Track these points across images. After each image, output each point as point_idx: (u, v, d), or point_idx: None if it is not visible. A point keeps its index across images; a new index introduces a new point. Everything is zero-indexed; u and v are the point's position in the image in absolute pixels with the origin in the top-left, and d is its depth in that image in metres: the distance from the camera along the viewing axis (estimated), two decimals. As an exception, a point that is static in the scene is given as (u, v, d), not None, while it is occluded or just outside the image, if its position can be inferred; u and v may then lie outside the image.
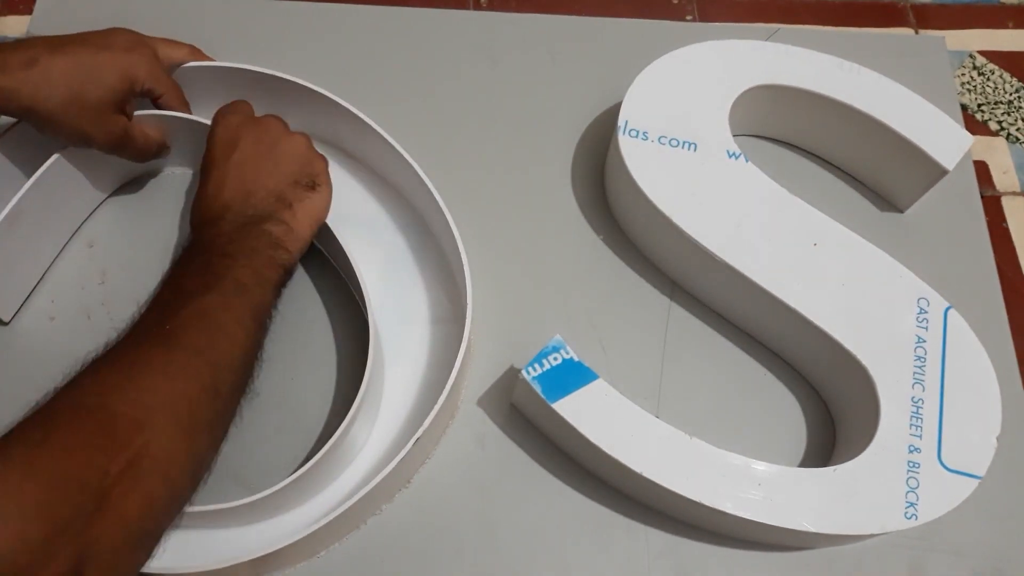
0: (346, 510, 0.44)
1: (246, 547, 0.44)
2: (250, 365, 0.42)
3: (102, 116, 0.49)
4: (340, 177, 0.58)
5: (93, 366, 0.37)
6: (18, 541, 0.29)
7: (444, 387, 0.46)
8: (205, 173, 0.49)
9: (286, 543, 0.43)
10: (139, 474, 0.33)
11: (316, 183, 0.49)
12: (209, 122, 0.51)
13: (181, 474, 0.36)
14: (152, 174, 0.59)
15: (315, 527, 0.43)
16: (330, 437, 0.45)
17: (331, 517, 0.43)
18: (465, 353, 0.48)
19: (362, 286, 0.50)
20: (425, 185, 0.52)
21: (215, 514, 0.45)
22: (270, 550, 0.43)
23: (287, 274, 0.46)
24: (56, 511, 0.30)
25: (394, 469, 0.45)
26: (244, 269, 0.43)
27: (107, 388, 0.36)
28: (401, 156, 0.53)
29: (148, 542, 0.35)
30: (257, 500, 0.44)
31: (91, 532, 0.31)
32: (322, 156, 0.52)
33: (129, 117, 0.52)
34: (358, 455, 0.50)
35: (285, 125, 0.51)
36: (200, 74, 0.55)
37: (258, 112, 0.52)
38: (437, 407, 0.46)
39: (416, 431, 0.45)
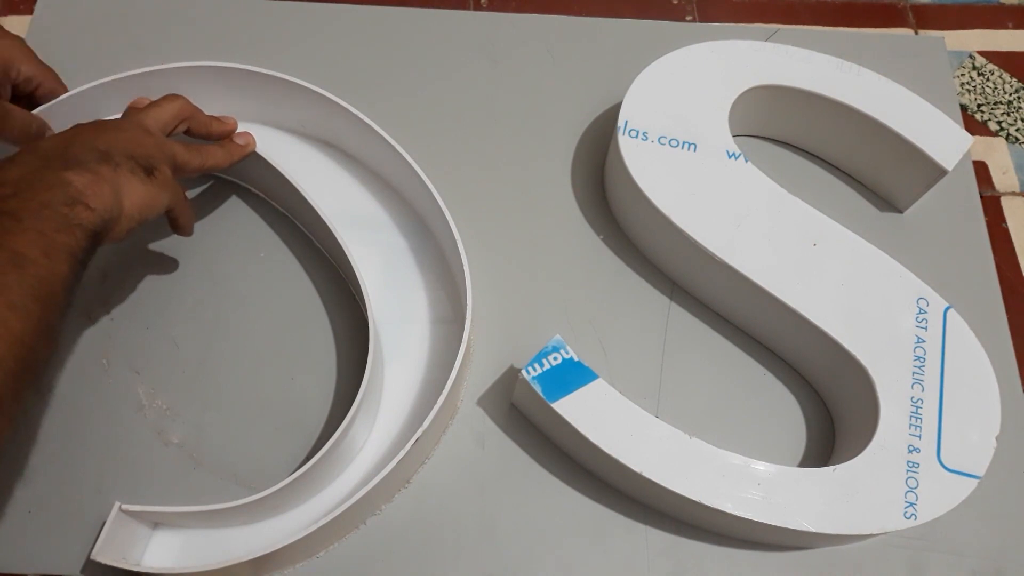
0: (346, 510, 0.44)
1: (246, 547, 0.43)
2: (33, 356, 0.35)
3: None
4: (340, 177, 0.59)
5: None
6: None
7: (444, 387, 0.46)
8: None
9: (286, 543, 0.43)
10: None
11: (153, 171, 0.43)
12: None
13: None
14: None
15: (315, 527, 0.43)
16: (330, 437, 0.45)
17: (331, 517, 0.43)
18: (465, 353, 0.48)
19: (362, 286, 0.50)
20: (425, 185, 0.52)
21: (215, 514, 0.45)
22: (270, 550, 0.43)
23: (92, 239, 0.39)
24: None
25: (394, 469, 0.45)
26: (27, 233, 0.36)
27: None
28: (401, 156, 0.53)
29: None
30: (256, 500, 0.44)
31: None
32: (181, 187, 0.47)
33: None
34: (358, 455, 0.50)
35: (169, 139, 0.47)
36: (201, 74, 0.55)
37: (264, 110, 0.51)
38: (437, 406, 0.46)
39: (416, 431, 0.45)
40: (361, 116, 0.54)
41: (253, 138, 0.54)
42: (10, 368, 0.34)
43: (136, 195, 0.42)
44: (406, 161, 0.53)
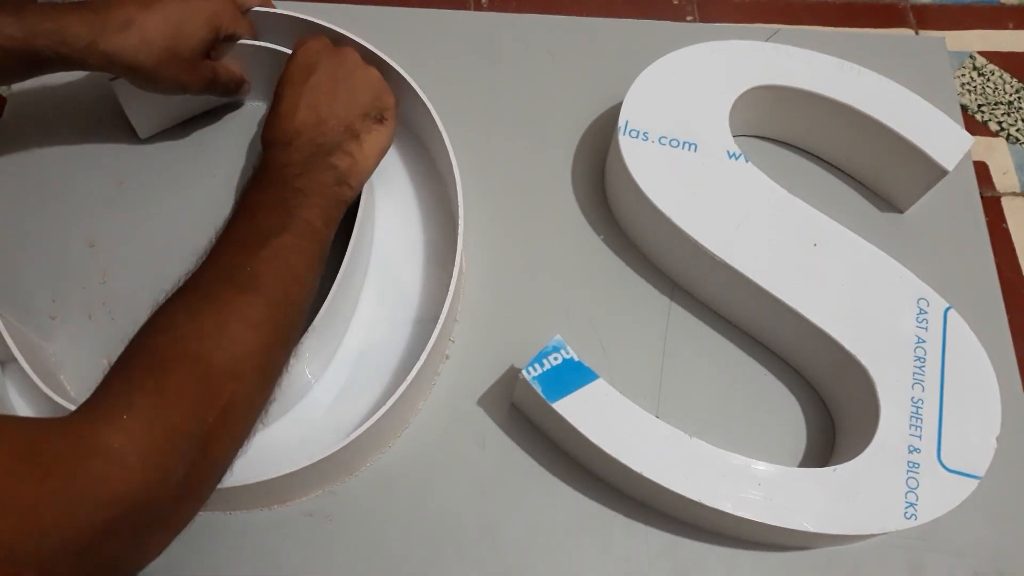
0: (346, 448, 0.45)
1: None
2: (310, 308, 0.44)
3: (195, 65, 0.52)
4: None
5: (186, 305, 0.39)
6: (141, 488, 0.32)
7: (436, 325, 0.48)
8: (279, 94, 0.49)
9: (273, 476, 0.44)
10: (229, 422, 0.36)
11: (384, 117, 0.50)
12: (288, 51, 0.53)
13: (257, 418, 0.39)
14: (232, 106, 0.62)
15: (308, 463, 0.44)
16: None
17: (329, 453, 0.45)
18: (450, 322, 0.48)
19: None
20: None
21: None
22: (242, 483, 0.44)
23: (347, 209, 0.48)
24: (170, 461, 0.33)
25: (393, 405, 0.46)
26: (314, 209, 0.44)
27: (204, 335, 0.37)
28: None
29: (224, 477, 0.38)
30: None
31: (193, 478, 0.34)
32: (391, 91, 0.52)
33: (214, 59, 0.55)
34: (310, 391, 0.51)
35: (360, 57, 0.52)
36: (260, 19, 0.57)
37: None
38: (430, 345, 0.47)
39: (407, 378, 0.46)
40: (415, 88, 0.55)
41: None
42: (305, 315, 0.43)
43: (375, 150, 0.49)
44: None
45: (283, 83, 0.50)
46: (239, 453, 0.38)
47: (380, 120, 0.50)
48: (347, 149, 0.48)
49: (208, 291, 0.40)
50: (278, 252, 0.41)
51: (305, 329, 0.45)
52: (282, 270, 0.41)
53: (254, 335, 0.38)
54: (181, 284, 0.40)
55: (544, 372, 0.46)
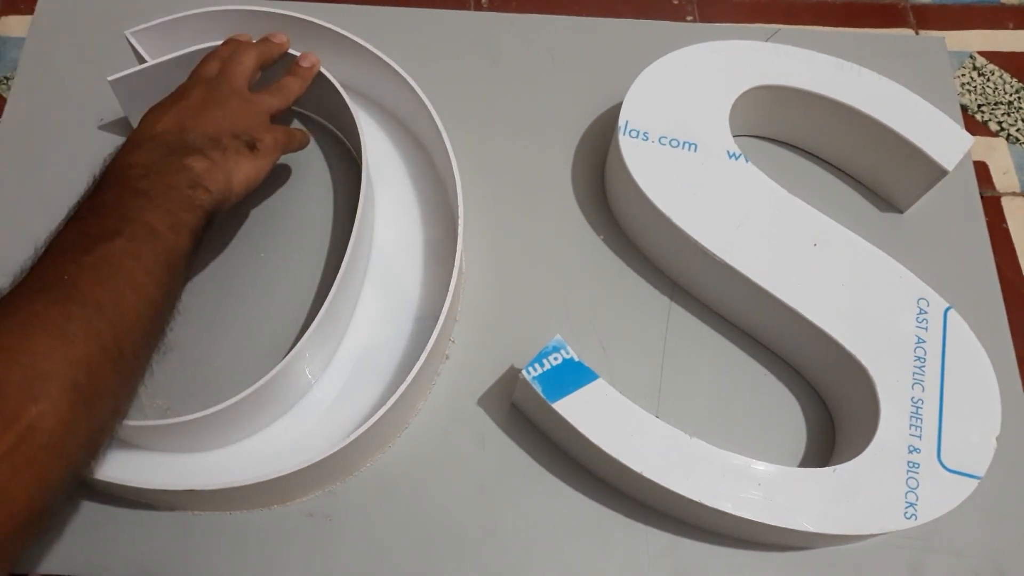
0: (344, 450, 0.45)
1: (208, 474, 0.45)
2: (161, 320, 0.39)
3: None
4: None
5: None
6: None
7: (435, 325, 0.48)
8: (146, 112, 0.47)
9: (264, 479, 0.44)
10: (31, 451, 0.31)
11: (256, 147, 0.47)
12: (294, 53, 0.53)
13: (79, 448, 0.33)
14: None
15: (311, 462, 0.44)
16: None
17: (350, 439, 0.45)
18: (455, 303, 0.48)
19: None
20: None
21: (171, 428, 0.45)
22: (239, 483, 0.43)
23: (208, 218, 0.43)
24: None
25: (395, 404, 0.46)
26: (157, 211, 0.40)
27: None
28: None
29: (39, 524, 0.32)
30: (215, 411, 0.44)
31: None
32: (281, 129, 0.51)
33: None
34: (311, 390, 0.51)
35: (244, 88, 0.50)
36: (241, 18, 0.57)
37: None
38: (429, 346, 0.47)
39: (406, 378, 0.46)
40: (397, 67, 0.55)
41: (315, 56, 0.55)
42: (146, 328, 0.38)
43: (243, 173, 0.46)
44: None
45: (155, 104, 0.47)
46: (65, 489, 0.33)
47: (251, 148, 0.47)
48: (208, 154, 0.44)
49: (12, 303, 0.35)
50: (107, 258, 0.37)
51: (156, 343, 0.40)
52: (111, 277, 0.36)
53: (65, 347, 0.33)
54: None
55: (544, 372, 0.46)
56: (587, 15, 0.68)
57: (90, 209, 0.40)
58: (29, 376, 0.32)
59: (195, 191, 0.42)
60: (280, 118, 0.53)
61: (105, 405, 0.35)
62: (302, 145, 0.55)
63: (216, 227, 0.45)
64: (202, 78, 0.50)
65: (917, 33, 0.69)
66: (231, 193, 0.46)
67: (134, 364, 0.37)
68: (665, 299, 0.56)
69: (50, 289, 0.35)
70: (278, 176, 0.58)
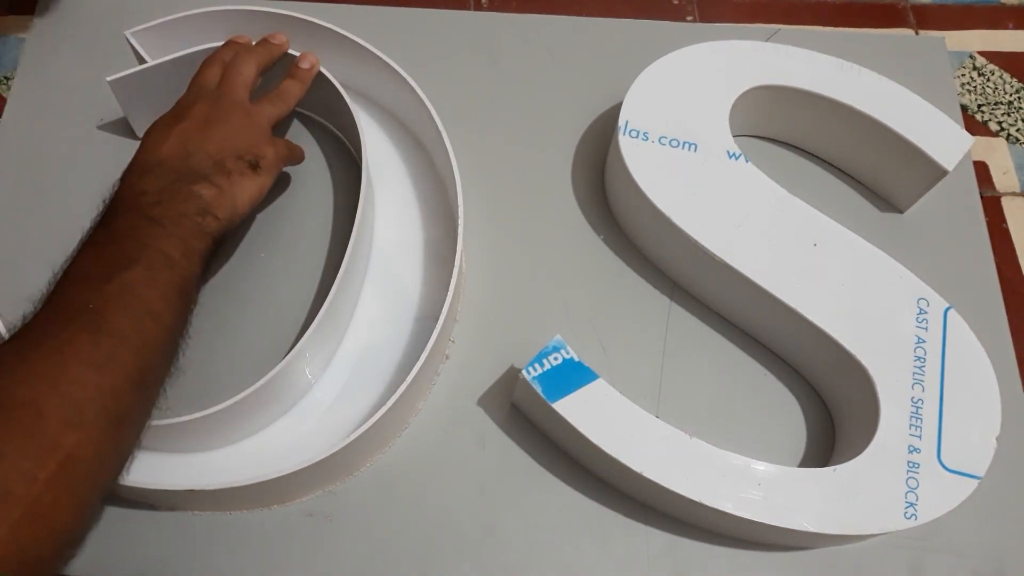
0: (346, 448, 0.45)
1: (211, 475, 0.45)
2: (175, 347, 0.40)
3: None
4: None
5: (18, 348, 0.35)
6: None
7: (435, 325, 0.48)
8: (148, 131, 0.47)
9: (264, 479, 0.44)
10: (68, 479, 0.32)
11: (258, 165, 0.48)
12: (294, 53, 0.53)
13: (109, 473, 0.35)
14: None
15: (312, 462, 0.44)
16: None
17: (345, 441, 0.45)
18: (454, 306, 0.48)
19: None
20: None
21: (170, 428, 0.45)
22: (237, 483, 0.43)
23: (215, 244, 0.44)
24: None
25: (394, 404, 0.46)
26: (171, 239, 0.41)
27: (36, 379, 0.33)
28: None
29: (75, 547, 0.34)
30: (214, 412, 0.45)
31: (16, 542, 0.30)
32: (282, 142, 0.51)
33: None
34: (310, 390, 0.51)
35: (245, 101, 0.50)
36: (241, 18, 0.57)
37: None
38: (429, 346, 0.47)
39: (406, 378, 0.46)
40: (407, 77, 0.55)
41: (315, 56, 0.55)
42: (164, 354, 0.39)
43: (247, 194, 0.47)
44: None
45: (157, 121, 0.48)
46: (89, 518, 0.34)
47: (254, 168, 0.48)
48: (214, 181, 0.45)
49: (44, 331, 0.35)
50: (128, 286, 0.38)
51: (170, 369, 0.40)
52: (133, 306, 0.37)
53: (98, 377, 0.34)
54: (16, 328, 0.36)
55: (544, 372, 0.46)
56: (587, 15, 0.68)
57: (106, 236, 0.41)
58: (67, 404, 0.33)
59: (204, 219, 0.43)
60: (282, 122, 0.53)
61: (131, 432, 0.36)
62: (300, 160, 0.56)
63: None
64: (203, 90, 0.50)
65: (917, 33, 0.69)
66: (237, 216, 0.47)
67: (154, 390, 0.38)
68: (665, 299, 0.56)
69: (78, 318, 0.36)
70: (278, 177, 0.58)
